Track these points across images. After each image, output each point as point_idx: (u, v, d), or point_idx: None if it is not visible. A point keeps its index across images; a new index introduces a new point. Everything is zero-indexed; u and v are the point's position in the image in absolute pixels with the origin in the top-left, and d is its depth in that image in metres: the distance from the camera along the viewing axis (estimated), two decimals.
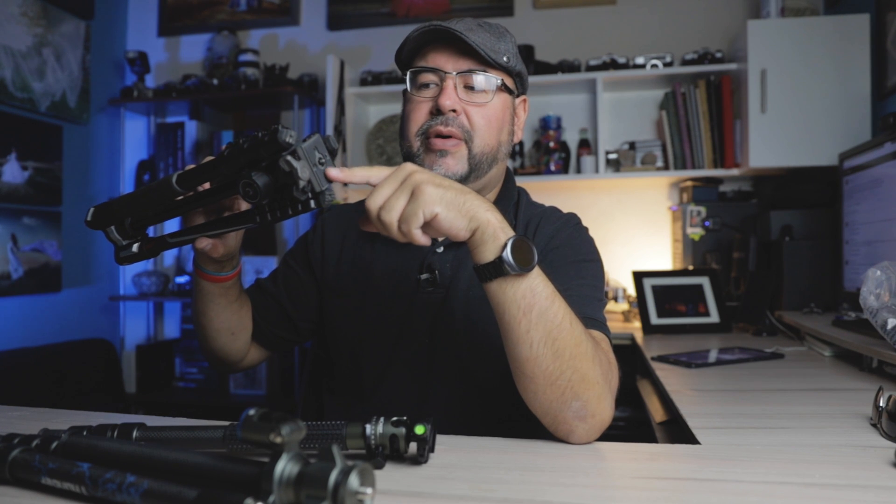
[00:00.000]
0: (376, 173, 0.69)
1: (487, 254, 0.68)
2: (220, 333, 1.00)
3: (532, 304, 0.69)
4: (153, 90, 2.84)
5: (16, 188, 2.51)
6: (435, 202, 0.66)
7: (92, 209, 0.83)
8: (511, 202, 1.03)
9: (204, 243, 0.86)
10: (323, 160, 0.67)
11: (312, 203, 0.67)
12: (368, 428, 0.64)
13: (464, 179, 0.93)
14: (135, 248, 0.84)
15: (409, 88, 0.96)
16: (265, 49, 3.03)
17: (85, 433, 0.65)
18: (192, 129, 2.86)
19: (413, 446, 0.64)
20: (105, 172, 2.99)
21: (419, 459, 0.65)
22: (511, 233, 0.68)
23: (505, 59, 0.93)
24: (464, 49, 0.91)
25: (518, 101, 1.02)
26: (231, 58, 2.92)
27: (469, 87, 0.93)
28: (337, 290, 1.04)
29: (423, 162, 0.93)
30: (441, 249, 0.98)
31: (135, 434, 0.67)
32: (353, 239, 1.06)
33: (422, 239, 0.67)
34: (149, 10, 3.15)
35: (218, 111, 3.03)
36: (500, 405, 0.94)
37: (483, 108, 0.93)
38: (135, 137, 3.07)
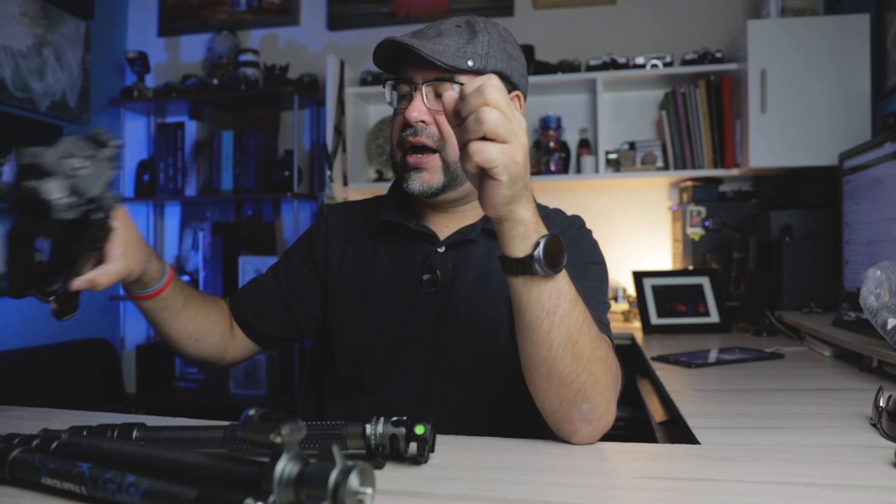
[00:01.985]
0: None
1: (516, 249, 0.66)
2: (183, 342, 0.98)
3: (556, 305, 0.68)
4: (153, 90, 2.84)
5: None
6: (511, 172, 0.62)
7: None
8: None
9: (78, 282, 0.76)
10: (82, 168, 0.52)
11: (102, 214, 0.55)
12: (368, 428, 0.64)
13: (441, 190, 0.92)
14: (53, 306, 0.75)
15: (390, 101, 0.95)
16: (265, 49, 3.03)
17: (85, 433, 0.65)
18: (192, 129, 2.85)
19: (413, 446, 0.64)
20: None
21: (419, 459, 0.65)
22: (544, 231, 0.67)
23: (470, 63, 0.88)
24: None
25: None
26: (231, 58, 2.92)
27: (441, 95, 0.88)
28: (340, 289, 1.03)
29: (402, 176, 0.93)
30: (442, 249, 0.98)
31: (135, 434, 0.67)
32: (355, 238, 1.05)
33: (472, 171, 0.63)
34: (149, 10, 3.15)
35: (218, 111, 3.03)
36: (502, 404, 0.94)
37: None
38: (135, 137, 3.07)
